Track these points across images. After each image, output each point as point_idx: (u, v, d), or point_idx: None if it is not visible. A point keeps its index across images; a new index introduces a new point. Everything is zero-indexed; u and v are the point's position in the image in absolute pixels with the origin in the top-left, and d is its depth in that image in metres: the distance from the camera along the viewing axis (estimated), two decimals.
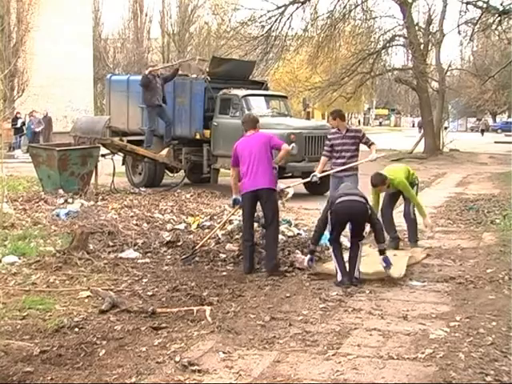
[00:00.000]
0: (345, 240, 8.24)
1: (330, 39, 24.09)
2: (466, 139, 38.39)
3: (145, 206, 11.37)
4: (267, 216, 6.98)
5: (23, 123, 26.85)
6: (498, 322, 5.12)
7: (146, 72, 14.52)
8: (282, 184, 7.87)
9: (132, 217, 9.94)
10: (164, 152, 14.37)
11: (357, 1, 24.47)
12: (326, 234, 8.29)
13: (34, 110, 27.25)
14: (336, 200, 6.57)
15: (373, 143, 8.68)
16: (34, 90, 27.32)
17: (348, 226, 6.86)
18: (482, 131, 56.87)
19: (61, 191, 11.95)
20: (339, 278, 6.44)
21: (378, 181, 7.79)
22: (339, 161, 8.33)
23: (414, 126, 64.43)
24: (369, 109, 75.86)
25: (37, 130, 26.24)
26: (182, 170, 15.16)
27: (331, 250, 6.67)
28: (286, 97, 16.69)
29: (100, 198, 12.13)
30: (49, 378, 4.01)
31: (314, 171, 8.92)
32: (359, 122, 72.19)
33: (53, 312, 5.32)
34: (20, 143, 26.25)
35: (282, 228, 7.93)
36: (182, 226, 9.18)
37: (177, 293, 5.93)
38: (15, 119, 26.58)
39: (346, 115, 58.63)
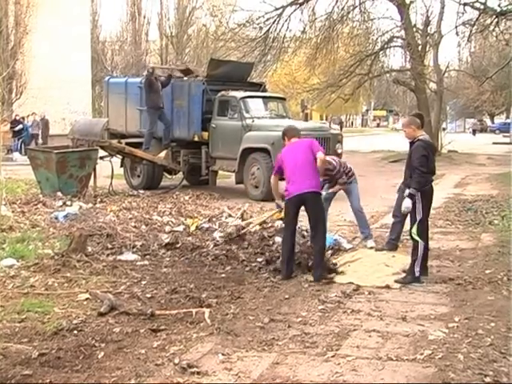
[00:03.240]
0: (344, 242, 8.27)
1: (328, 41, 24.11)
2: (464, 140, 38.43)
3: (143, 208, 11.37)
4: (313, 221, 6.78)
5: (22, 128, 26.73)
6: (497, 322, 5.12)
7: (150, 71, 14.53)
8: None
9: (130, 219, 9.93)
10: (162, 154, 14.37)
11: (355, 2, 24.51)
12: (328, 235, 8.30)
13: (33, 113, 27.22)
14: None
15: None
16: (32, 92, 27.30)
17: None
18: (474, 131, 56.95)
19: (59, 194, 11.95)
20: (418, 272, 6.48)
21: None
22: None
23: None
24: (367, 110, 75.98)
25: (33, 131, 26.21)
26: (181, 172, 15.16)
27: (422, 243, 6.51)
28: (284, 98, 16.69)
29: (98, 200, 12.13)
30: (48, 380, 4.01)
31: None
32: (352, 123, 72.17)
33: (51, 315, 5.31)
34: (18, 146, 26.19)
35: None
36: (180, 228, 9.17)
37: (176, 295, 5.93)
38: (15, 122, 26.51)
39: (344, 117, 58.52)
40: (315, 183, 6.73)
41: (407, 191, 6.55)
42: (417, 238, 6.54)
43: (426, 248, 6.70)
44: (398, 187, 8.09)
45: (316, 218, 6.76)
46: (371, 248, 8.11)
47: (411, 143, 6.80)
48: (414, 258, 6.57)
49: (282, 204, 7.12)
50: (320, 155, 6.73)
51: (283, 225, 7.25)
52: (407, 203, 6.49)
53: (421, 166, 6.52)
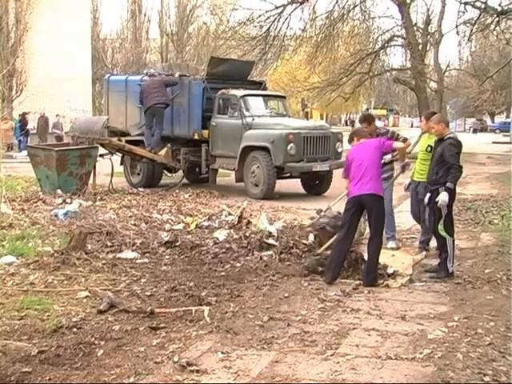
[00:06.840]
0: None
1: (328, 39, 24.10)
2: (464, 139, 38.42)
3: (143, 206, 11.37)
4: (372, 223, 6.59)
5: (25, 130, 26.60)
6: (496, 322, 5.13)
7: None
8: None
9: (130, 217, 9.93)
10: (162, 152, 14.36)
11: (355, 1, 24.49)
12: None
13: (41, 111, 27.17)
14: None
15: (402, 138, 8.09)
16: (32, 89, 27.30)
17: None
18: (475, 130, 57.22)
19: (59, 191, 11.96)
20: (451, 268, 6.64)
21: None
22: None
23: (412, 126, 64.51)
24: (367, 109, 75.77)
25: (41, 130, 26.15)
26: (181, 170, 15.15)
27: (450, 239, 6.67)
28: (284, 97, 16.68)
29: (98, 198, 12.13)
30: (47, 378, 4.01)
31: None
32: (347, 122, 71.84)
33: (51, 312, 5.31)
34: (25, 144, 26.05)
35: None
36: (180, 226, 9.18)
37: (175, 293, 5.93)
38: (24, 120, 26.34)
39: (344, 115, 58.54)
40: (376, 186, 6.49)
41: (447, 185, 6.54)
42: (444, 234, 6.64)
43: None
44: (405, 184, 8.09)
45: (375, 220, 6.55)
46: (391, 249, 8.00)
47: (439, 140, 6.82)
48: (444, 256, 6.67)
49: None
50: (397, 144, 6.80)
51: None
52: (445, 197, 6.51)
53: (457, 162, 6.65)
